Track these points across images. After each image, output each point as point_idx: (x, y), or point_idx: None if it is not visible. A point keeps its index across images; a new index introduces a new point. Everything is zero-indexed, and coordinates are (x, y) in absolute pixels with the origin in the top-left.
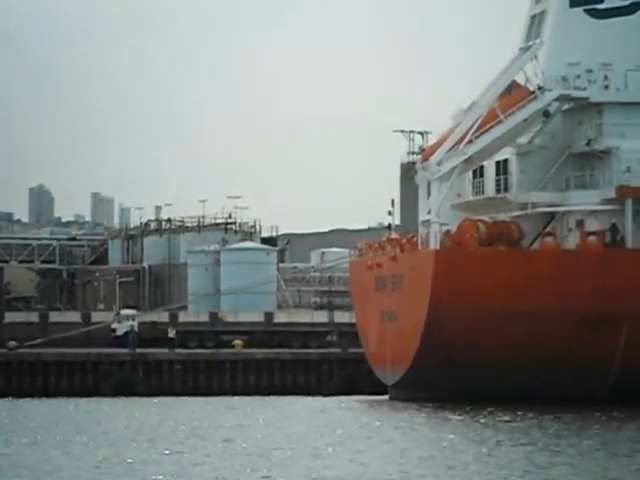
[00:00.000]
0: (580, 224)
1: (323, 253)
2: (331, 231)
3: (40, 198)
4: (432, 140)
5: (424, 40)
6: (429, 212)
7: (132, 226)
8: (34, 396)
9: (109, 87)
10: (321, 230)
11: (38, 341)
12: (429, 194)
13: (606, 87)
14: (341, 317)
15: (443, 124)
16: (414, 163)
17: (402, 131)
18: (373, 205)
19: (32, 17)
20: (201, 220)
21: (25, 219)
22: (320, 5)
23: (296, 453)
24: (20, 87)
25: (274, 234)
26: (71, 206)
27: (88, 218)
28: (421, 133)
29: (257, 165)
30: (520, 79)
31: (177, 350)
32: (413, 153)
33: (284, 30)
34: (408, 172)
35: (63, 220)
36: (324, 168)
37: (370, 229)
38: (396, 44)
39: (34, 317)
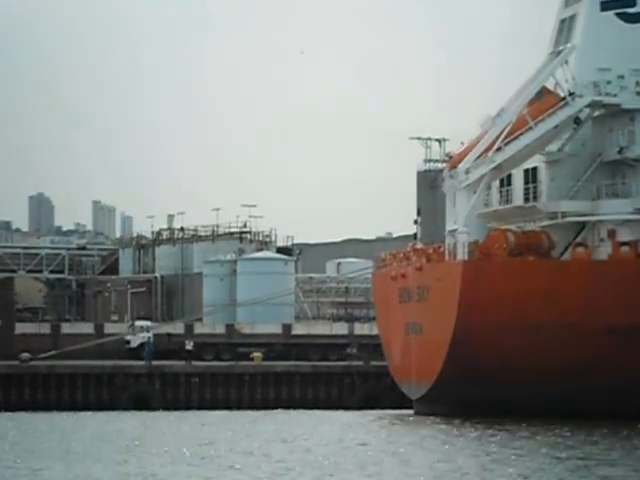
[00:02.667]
0: (612, 234)
1: (339, 264)
2: (344, 241)
3: (40, 206)
4: (450, 147)
5: (442, 46)
6: (456, 221)
7: (137, 235)
8: (48, 410)
9: (110, 93)
10: (334, 240)
11: (51, 353)
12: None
13: (638, 93)
14: (360, 329)
15: (460, 131)
16: (432, 171)
17: (419, 138)
18: (387, 214)
19: (31, 20)
20: (215, 229)
21: (25, 228)
22: (339, 5)
23: None
24: (20, 94)
25: (289, 243)
26: (71, 214)
27: (89, 227)
28: (438, 140)
29: (265, 171)
30: (549, 84)
31: (194, 363)
32: (430, 161)
33: (296, 33)
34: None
35: (64, 229)
36: (336, 176)
37: (379, 239)
38: (413, 50)
39: (45, 328)
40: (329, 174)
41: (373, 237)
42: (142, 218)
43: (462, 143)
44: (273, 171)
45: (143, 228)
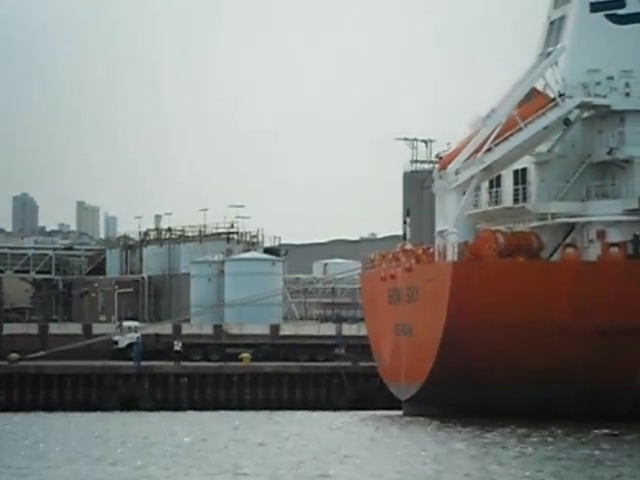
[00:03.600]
0: (601, 235)
1: (326, 264)
2: (330, 241)
3: (24, 207)
4: (437, 149)
5: (427, 45)
6: (446, 222)
7: (123, 235)
8: (36, 410)
9: (95, 93)
10: (319, 240)
11: (40, 353)
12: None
13: (627, 94)
14: (348, 330)
15: (447, 132)
16: (418, 172)
17: (405, 139)
18: (370, 215)
19: (16, 22)
20: (202, 230)
21: (9, 228)
22: (324, 5)
23: None
24: (4, 94)
25: (276, 244)
26: (56, 215)
27: (73, 227)
28: (425, 141)
29: (249, 173)
30: (539, 85)
31: (182, 363)
32: (417, 162)
33: (282, 32)
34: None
35: (47, 229)
36: (320, 176)
37: (365, 240)
38: (399, 49)
39: (33, 329)
40: (313, 175)
41: (357, 238)
42: (126, 219)
43: (448, 144)
44: (259, 172)
45: (127, 228)
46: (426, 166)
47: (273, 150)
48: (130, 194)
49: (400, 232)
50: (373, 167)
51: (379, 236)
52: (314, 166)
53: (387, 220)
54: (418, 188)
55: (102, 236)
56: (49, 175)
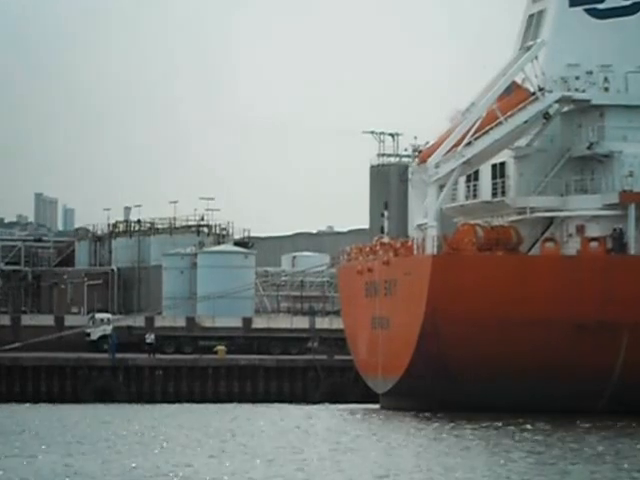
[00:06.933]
0: (581, 230)
1: (294, 257)
2: (294, 234)
3: None
4: (404, 142)
5: (395, 38)
6: (425, 216)
7: (81, 227)
8: (10, 402)
9: (58, 81)
10: (283, 233)
11: (15, 345)
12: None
13: (606, 89)
14: (320, 323)
15: (413, 126)
16: (384, 165)
17: (372, 132)
18: (327, 207)
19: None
20: (172, 222)
21: None
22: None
23: None
24: None
25: (245, 237)
26: (14, 207)
27: (31, 219)
28: (392, 135)
29: (217, 165)
30: (518, 79)
31: (157, 356)
32: (383, 155)
33: (252, 29)
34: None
35: (6, 221)
36: (286, 169)
37: (329, 233)
38: (367, 42)
39: (5, 320)
40: (278, 167)
41: (315, 231)
42: (86, 211)
43: (415, 137)
44: (227, 163)
45: (89, 220)
46: (392, 159)
47: (241, 142)
48: (91, 186)
49: (366, 225)
50: (336, 160)
51: (339, 229)
52: (280, 158)
53: (346, 213)
54: (386, 181)
55: (60, 228)
56: (7, 166)
